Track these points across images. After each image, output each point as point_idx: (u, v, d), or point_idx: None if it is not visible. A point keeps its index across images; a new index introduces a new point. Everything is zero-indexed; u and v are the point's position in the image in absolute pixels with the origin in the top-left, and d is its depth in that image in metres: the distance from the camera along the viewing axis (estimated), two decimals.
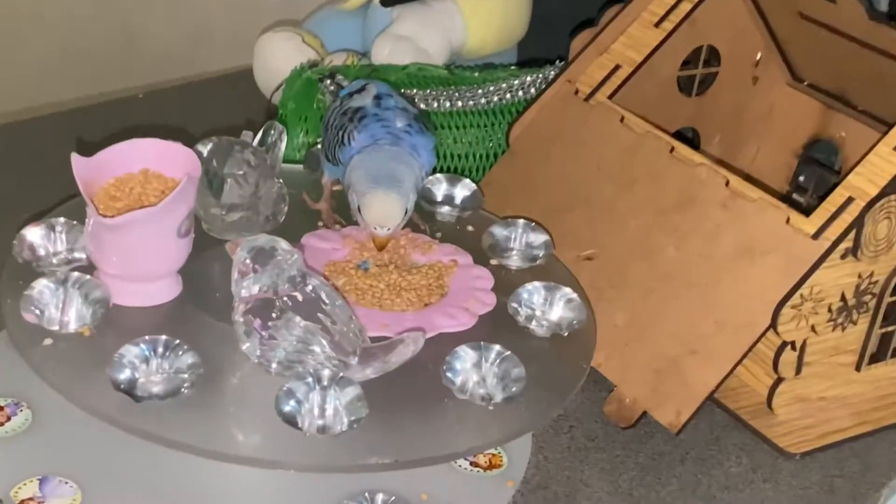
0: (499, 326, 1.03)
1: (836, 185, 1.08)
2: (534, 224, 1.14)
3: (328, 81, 1.22)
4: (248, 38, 1.57)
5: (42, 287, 0.96)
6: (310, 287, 0.92)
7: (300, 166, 1.23)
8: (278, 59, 1.45)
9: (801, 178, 1.38)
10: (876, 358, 1.18)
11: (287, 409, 0.87)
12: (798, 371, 1.12)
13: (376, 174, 1.03)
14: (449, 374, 0.93)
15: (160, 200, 0.95)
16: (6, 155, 1.42)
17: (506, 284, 1.08)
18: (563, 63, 1.28)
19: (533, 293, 1.05)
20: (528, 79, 1.32)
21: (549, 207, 1.20)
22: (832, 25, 1.21)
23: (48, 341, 0.94)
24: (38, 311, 0.95)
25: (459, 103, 1.29)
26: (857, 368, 1.17)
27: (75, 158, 0.96)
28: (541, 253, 1.13)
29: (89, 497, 0.93)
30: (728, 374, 1.04)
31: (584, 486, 1.03)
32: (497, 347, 0.95)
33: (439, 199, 1.19)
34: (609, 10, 1.28)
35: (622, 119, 1.21)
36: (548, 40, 1.52)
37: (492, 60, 1.50)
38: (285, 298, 0.90)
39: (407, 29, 1.39)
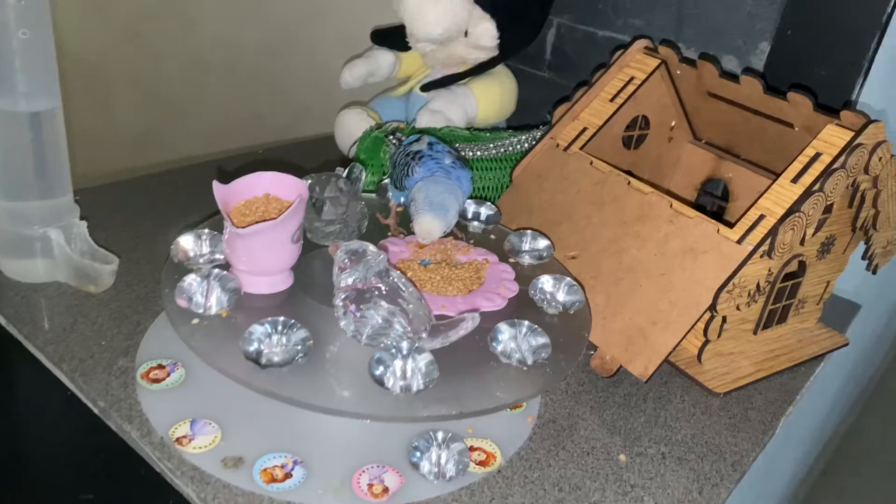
0: (522, 306, 0.80)
1: (723, 209, 0.88)
2: (538, 233, 0.91)
3: (391, 137, 0.99)
4: (330, 114, 1.34)
5: (191, 280, 0.72)
6: (391, 279, 0.68)
7: (373, 195, 0.98)
8: (352, 126, 1.23)
9: (701, 204, 1.15)
10: (766, 325, 0.96)
11: (377, 372, 0.63)
12: (719, 335, 0.89)
13: (432, 200, 0.81)
14: (493, 344, 0.70)
15: (279, 216, 0.71)
16: (171, 191, 1.16)
17: (522, 276, 0.85)
18: (547, 127, 1.05)
19: (545, 282, 0.81)
20: (523, 137, 1.10)
21: (544, 222, 0.97)
22: (732, 99, 0.99)
23: (195, 321, 0.70)
24: (188, 298, 0.71)
25: (479, 153, 1.06)
26: (755, 332, 0.95)
27: (216, 185, 0.72)
28: (545, 253, 0.89)
29: (227, 434, 0.69)
30: (681, 339, 0.81)
31: (580, 420, 0.80)
32: (526, 323, 0.71)
33: (470, 216, 0.95)
34: (579, 91, 1.05)
35: (591, 163, 0.98)
36: (524, 115, 1.30)
37: (494, 126, 1.26)
38: (373, 288, 0.66)
39: (438, 105, 1.16)
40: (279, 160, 1.30)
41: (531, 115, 1.29)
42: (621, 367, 0.86)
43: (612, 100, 1.05)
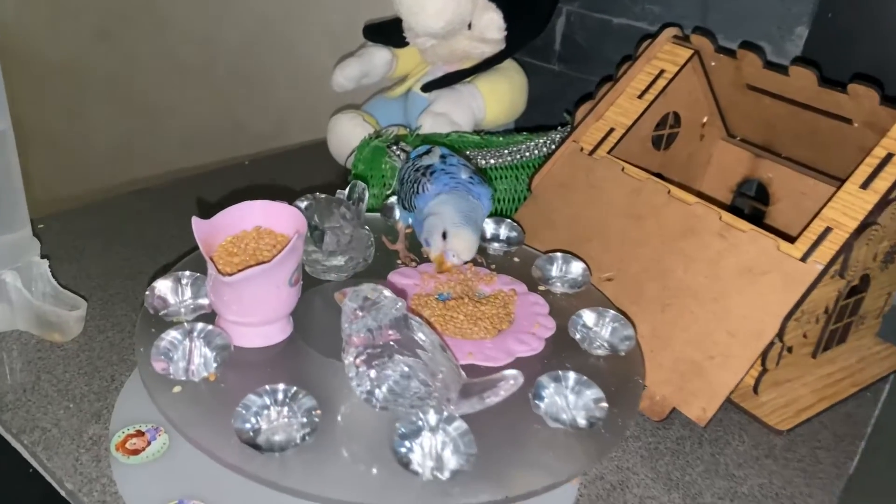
0: (562, 348, 0.68)
1: (762, 214, 0.79)
2: (570, 255, 0.79)
3: (395, 148, 0.87)
4: (320, 119, 1.22)
5: (170, 338, 0.60)
6: (410, 329, 0.56)
7: (377, 214, 0.86)
8: (347, 133, 1.11)
9: (737, 206, 1.04)
10: (826, 347, 0.84)
11: (401, 451, 0.51)
12: (777, 363, 0.78)
13: (466, 213, 0.71)
14: (536, 402, 0.58)
15: (273, 254, 0.59)
16: (149, 210, 1.03)
17: (557, 308, 0.73)
18: (568, 128, 0.93)
19: (586, 318, 0.70)
20: (541, 141, 0.97)
21: (569, 239, 0.86)
22: (777, 92, 0.87)
23: (177, 389, 0.58)
24: (167, 360, 0.59)
25: (492, 161, 0.94)
26: (814, 356, 0.84)
27: (196, 222, 0.60)
28: (580, 279, 0.77)
29: None
30: (744, 376, 0.70)
31: (631, 474, 0.69)
32: (573, 376, 0.60)
33: (488, 236, 0.83)
34: (603, 87, 0.93)
35: (623, 169, 0.86)
36: (533, 114, 1.19)
37: (504, 128, 1.14)
38: (390, 341, 0.54)
39: (442, 107, 1.04)
40: (266, 173, 1.17)
41: (541, 113, 1.17)
42: (674, 408, 0.74)
43: (640, 96, 0.93)
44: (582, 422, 0.57)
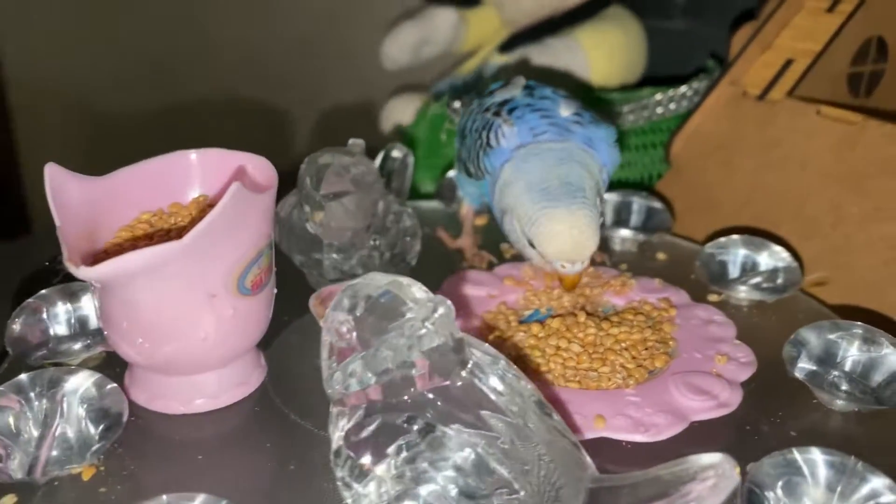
0: (773, 396, 0.35)
1: None
2: (760, 240, 0.46)
3: (456, 104, 0.56)
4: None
5: (8, 398, 0.30)
6: (474, 371, 0.25)
7: (432, 202, 0.56)
8: (408, 117, 0.81)
9: None
10: None
11: None
12: None
13: (546, 185, 0.39)
14: None
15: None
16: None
17: (750, 328, 0.40)
18: (720, 68, 0.61)
19: (811, 341, 0.37)
20: (681, 90, 0.63)
21: (747, 221, 0.53)
22: None
23: (11, 500, 0.28)
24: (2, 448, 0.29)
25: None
26: None
27: (52, 171, 0.31)
28: (783, 280, 0.44)
29: None
30: None
31: None
32: (821, 456, 0.27)
33: (612, 220, 0.51)
34: (770, 1, 0.61)
35: (818, 111, 0.54)
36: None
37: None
38: (427, 396, 0.23)
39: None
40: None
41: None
42: None
43: (829, 9, 0.61)
44: None
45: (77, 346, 0.37)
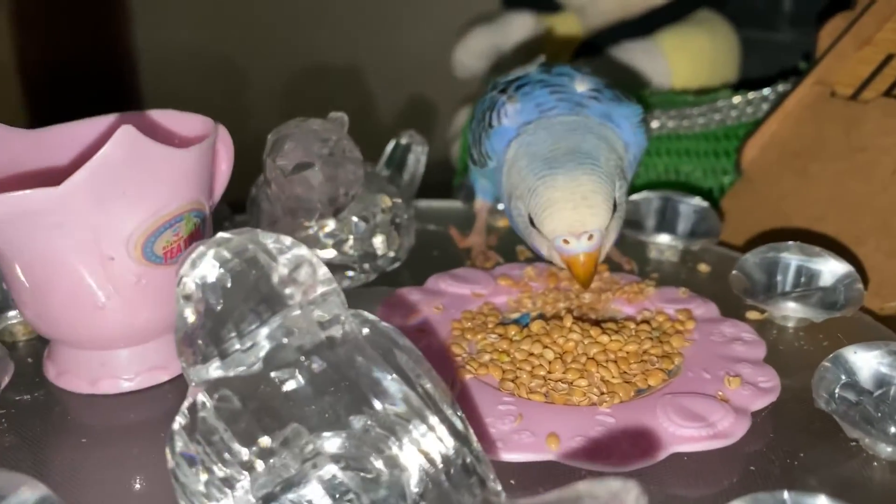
0: (794, 431, 0.27)
1: None
2: (818, 249, 0.38)
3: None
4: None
5: None
6: (368, 365, 0.19)
7: (455, 202, 0.50)
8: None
9: None
10: None
11: None
12: None
13: (550, 154, 0.33)
14: None
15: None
16: None
17: (785, 350, 0.32)
18: (807, 65, 0.53)
19: (859, 365, 0.29)
20: (762, 93, 0.55)
21: (819, 240, 0.44)
22: None
23: None
24: None
25: (670, 124, 0.55)
26: None
27: None
28: (841, 294, 0.35)
29: None
30: None
31: None
32: None
33: (650, 224, 0.44)
34: None
35: None
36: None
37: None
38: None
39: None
40: None
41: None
42: None
43: None
44: None
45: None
